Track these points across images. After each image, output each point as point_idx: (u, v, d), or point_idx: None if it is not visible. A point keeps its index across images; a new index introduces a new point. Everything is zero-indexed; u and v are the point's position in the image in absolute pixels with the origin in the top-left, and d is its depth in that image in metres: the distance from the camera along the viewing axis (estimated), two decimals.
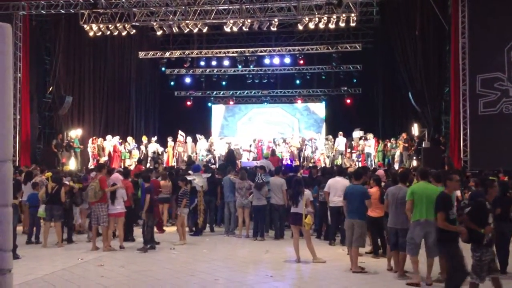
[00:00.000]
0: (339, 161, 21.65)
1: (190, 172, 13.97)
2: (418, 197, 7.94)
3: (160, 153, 22.24)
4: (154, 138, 23.33)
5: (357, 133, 23.25)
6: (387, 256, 9.20)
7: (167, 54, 26.63)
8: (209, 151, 22.34)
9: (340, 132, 22.61)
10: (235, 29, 20.36)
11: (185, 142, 22.52)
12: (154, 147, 22.52)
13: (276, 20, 20.07)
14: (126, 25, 20.66)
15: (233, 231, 13.18)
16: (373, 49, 26.91)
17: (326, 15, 19.07)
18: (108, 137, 22.41)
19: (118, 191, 11.25)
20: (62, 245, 11.47)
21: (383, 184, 10.51)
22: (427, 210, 7.78)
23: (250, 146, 23.34)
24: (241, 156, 21.73)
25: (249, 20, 19.97)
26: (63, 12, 20.61)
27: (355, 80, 28.42)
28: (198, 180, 12.97)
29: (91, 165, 20.13)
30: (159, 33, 21.72)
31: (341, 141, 22.30)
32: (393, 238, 8.60)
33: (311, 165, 18.27)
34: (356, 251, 9.01)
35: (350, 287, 7.95)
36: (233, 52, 26.73)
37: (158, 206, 12.58)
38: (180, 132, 22.83)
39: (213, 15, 20.36)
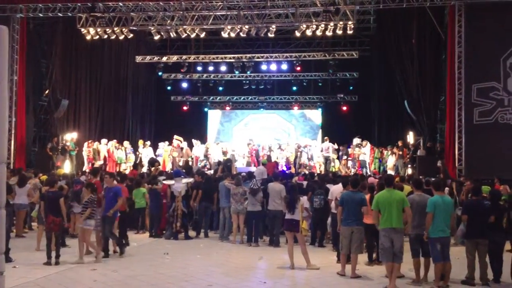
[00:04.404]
0: (335, 168, 21.65)
1: (183, 176, 14.12)
2: (382, 206, 8.33)
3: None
4: (148, 143, 23.19)
5: (356, 141, 23.18)
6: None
7: (164, 59, 26.58)
8: (206, 156, 22.29)
9: (326, 138, 23.12)
10: (232, 34, 20.37)
11: (181, 148, 22.40)
12: (147, 152, 22.41)
13: (273, 26, 20.10)
14: (123, 29, 20.63)
15: (228, 236, 13.16)
16: (369, 57, 26.99)
17: (323, 22, 19.11)
18: (103, 140, 22.34)
19: None
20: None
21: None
22: (392, 217, 8.19)
23: (244, 154, 23.27)
24: (234, 166, 21.58)
25: (246, 26, 19.99)
26: (61, 15, 20.57)
27: (351, 88, 28.45)
28: (177, 185, 13.17)
29: (86, 168, 20.07)
30: (156, 37, 21.71)
31: (326, 146, 22.30)
32: (416, 245, 8.59)
33: (306, 171, 18.24)
34: (356, 257, 9.07)
35: None
36: (230, 58, 26.74)
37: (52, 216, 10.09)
38: (175, 136, 22.74)
39: (210, 20, 20.38)
